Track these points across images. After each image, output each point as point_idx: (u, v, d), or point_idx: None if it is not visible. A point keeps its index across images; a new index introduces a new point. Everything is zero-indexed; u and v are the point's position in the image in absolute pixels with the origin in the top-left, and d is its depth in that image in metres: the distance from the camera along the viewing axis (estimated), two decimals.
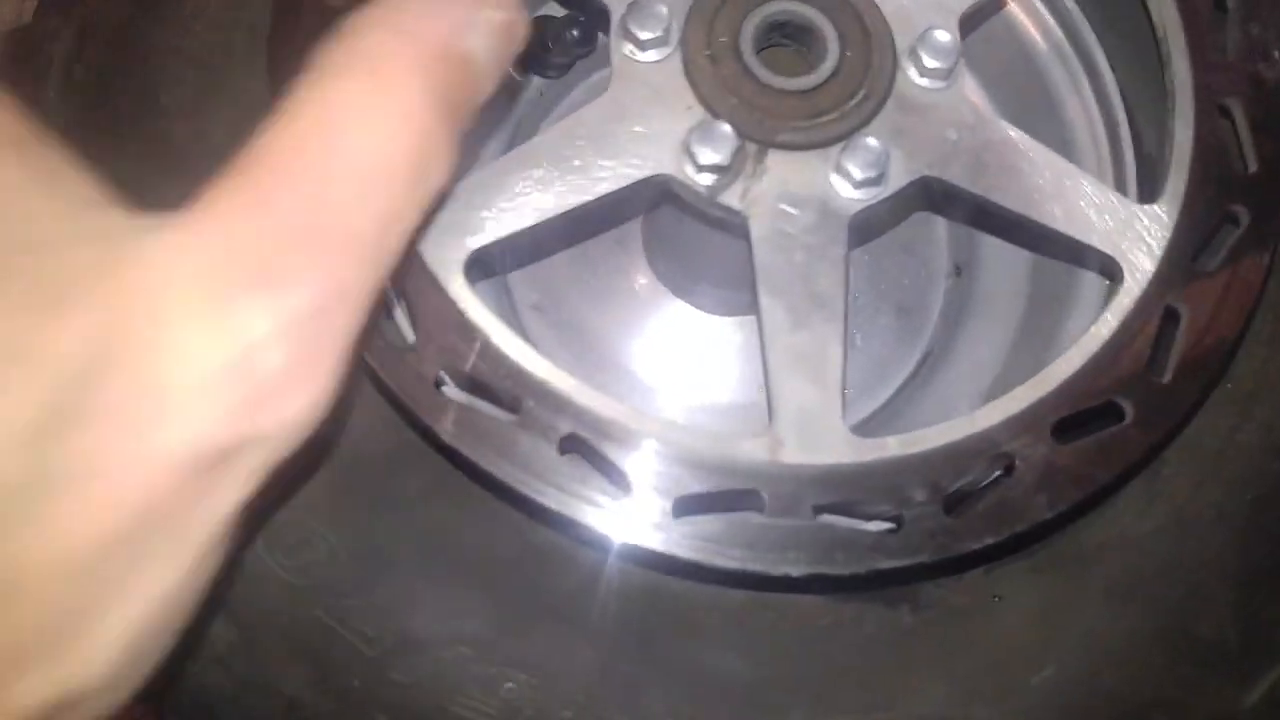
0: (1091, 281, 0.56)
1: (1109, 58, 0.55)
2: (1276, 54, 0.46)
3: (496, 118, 0.57)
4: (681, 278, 0.60)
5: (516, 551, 0.42)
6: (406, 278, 0.38)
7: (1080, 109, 0.56)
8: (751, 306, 0.62)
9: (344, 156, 0.26)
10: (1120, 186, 0.54)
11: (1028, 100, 0.59)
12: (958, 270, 0.66)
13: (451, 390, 0.38)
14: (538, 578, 0.41)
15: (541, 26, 0.59)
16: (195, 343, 0.24)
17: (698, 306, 0.61)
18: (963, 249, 0.65)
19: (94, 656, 0.25)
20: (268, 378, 0.24)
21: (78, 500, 0.23)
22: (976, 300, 0.64)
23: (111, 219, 0.24)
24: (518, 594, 0.41)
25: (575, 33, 0.58)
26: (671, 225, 0.53)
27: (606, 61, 0.42)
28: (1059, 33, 0.57)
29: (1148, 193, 0.51)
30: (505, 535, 0.41)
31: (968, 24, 0.44)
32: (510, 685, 0.39)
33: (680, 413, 0.58)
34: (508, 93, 0.35)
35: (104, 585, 0.25)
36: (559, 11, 0.59)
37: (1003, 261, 0.63)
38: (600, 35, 0.57)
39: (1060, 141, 0.57)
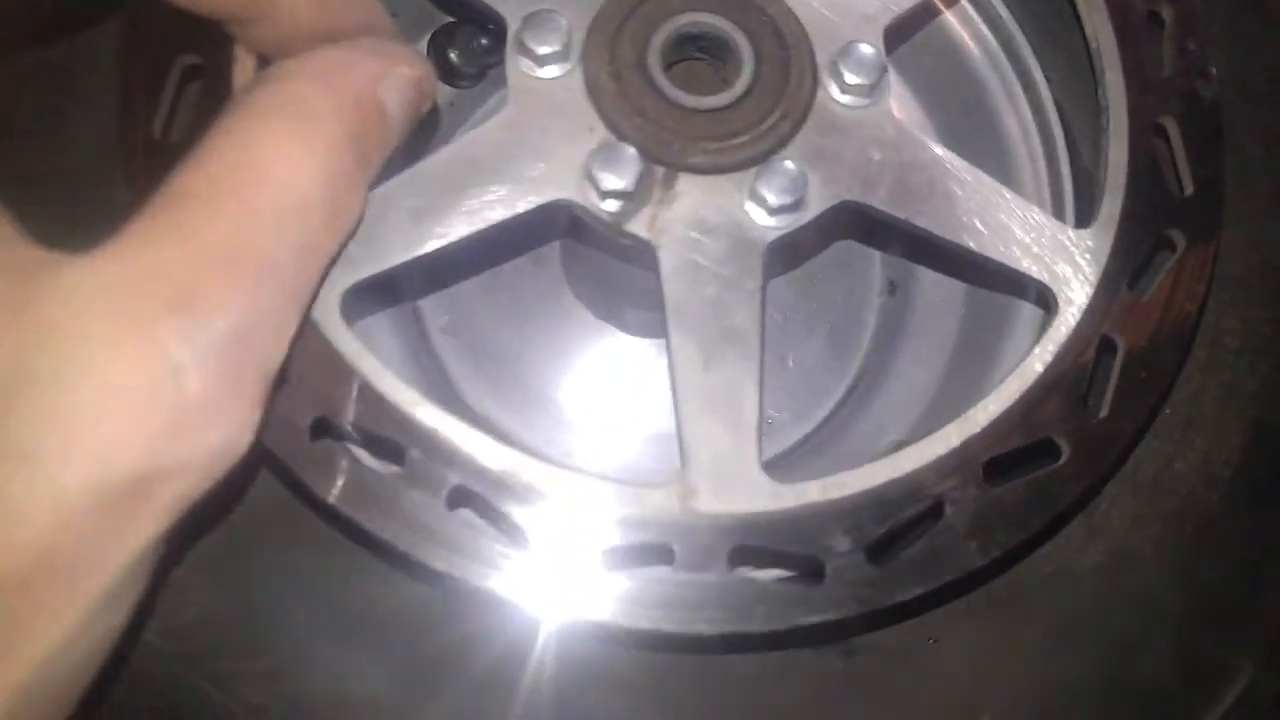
0: (1029, 304, 0.54)
1: (1044, 69, 0.52)
2: (1213, 70, 0.44)
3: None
4: (602, 299, 0.57)
5: (410, 609, 0.38)
6: None
7: (1016, 122, 0.54)
8: None
9: (264, 191, 0.27)
10: (1057, 203, 0.52)
11: (963, 111, 0.56)
12: (892, 288, 0.64)
13: (330, 441, 0.35)
14: (435, 637, 0.38)
15: (449, 34, 0.55)
16: (109, 370, 0.23)
17: (620, 328, 0.58)
18: (897, 266, 0.63)
19: None
20: (186, 404, 0.24)
21: None
22: (912, 320, 0.62)
23: (23, 252, 0.24)
24: (413, 655, 0.38)
25: (484, 41, 0.54)
26: (590, 248, 0.50)
27: None
28: (993, 40, 0.55)
29: (1084, 212, 0.49)
30: (396, 593, 0.38)
31: (894, 36, 0.41)
32: None
33: (601, 441, 0.55)
34: (426, 132, 0.34)
35: None
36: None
37: (939, 280, 0.61)
38: None
39: (997, 154, 0.55)
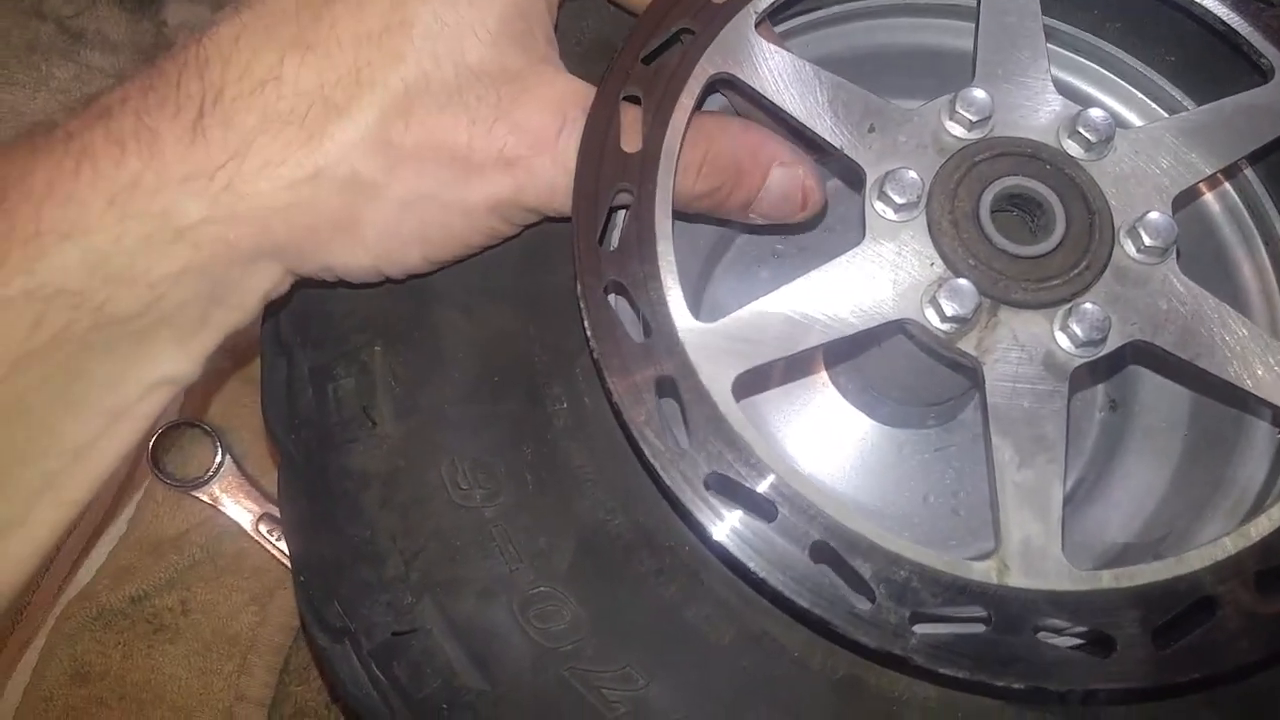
0: (1260, 428, 0.59)
1: None
2: None
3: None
4: (862, 391, 0.66)
5: (748, 639, 0.47)
6: (686, 391, 0.44)
7: (1254, 271, 0.61)
8: (920, 422, 0.67)
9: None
10: None
11: (1198, 259, 0.63)
12: (1113, 404, 0.70)
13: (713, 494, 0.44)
14: (766, 664, 0.46)
15: None
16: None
17: (870, 416, 0.67)
18: (1118, 385, 0.69)
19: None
20: (518, 152, 0.46)
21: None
22: (1132, 435, 0.68)
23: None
24: (742, 677, 0.46)
25: None
26: (872, 351, 0.59)
27: None
28: (1235, 197, 0.62)
29: None
30: (738, 622, 0.47)
31: (1179, 204, 0.50)
32: None
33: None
34: None
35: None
36: None
37: (1161, 401, 0.67)
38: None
39: (1232, 300, 0.61)
